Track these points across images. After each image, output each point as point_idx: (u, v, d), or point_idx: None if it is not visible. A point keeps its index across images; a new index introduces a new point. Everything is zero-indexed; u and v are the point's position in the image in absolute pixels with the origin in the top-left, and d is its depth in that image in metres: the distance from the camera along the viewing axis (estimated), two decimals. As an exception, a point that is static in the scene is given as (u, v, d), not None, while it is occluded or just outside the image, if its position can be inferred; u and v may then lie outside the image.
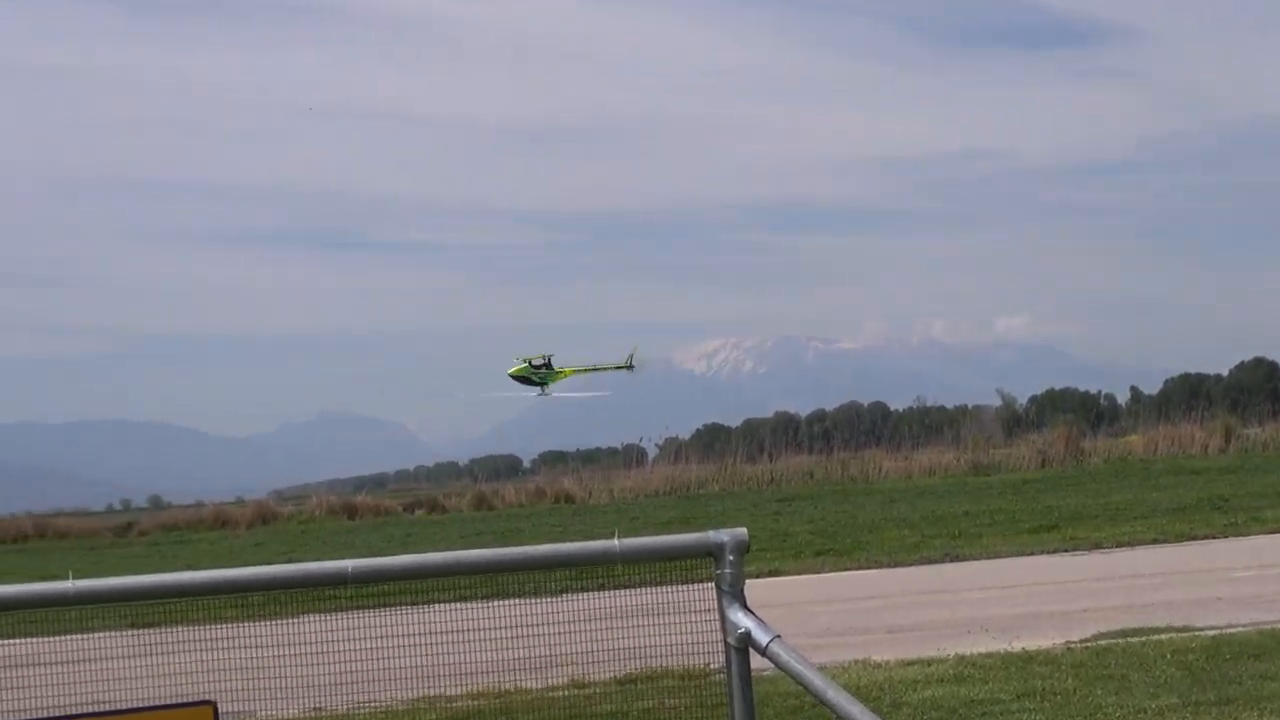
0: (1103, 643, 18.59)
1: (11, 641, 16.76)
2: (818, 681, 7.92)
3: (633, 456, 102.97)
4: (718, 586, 7.98)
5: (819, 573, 31.02)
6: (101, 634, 15.52)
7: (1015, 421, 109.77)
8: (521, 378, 74.97)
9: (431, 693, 15.81)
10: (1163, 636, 18.62)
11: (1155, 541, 32.39)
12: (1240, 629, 18.73)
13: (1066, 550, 31.90)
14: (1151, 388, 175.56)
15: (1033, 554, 31.82)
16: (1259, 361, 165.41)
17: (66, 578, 8.03)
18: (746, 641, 7.88)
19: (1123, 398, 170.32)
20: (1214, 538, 32.44)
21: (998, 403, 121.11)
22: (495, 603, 13.36)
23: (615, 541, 7.83)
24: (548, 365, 75.94)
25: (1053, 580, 26.71)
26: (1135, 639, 18.62)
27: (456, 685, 16.12)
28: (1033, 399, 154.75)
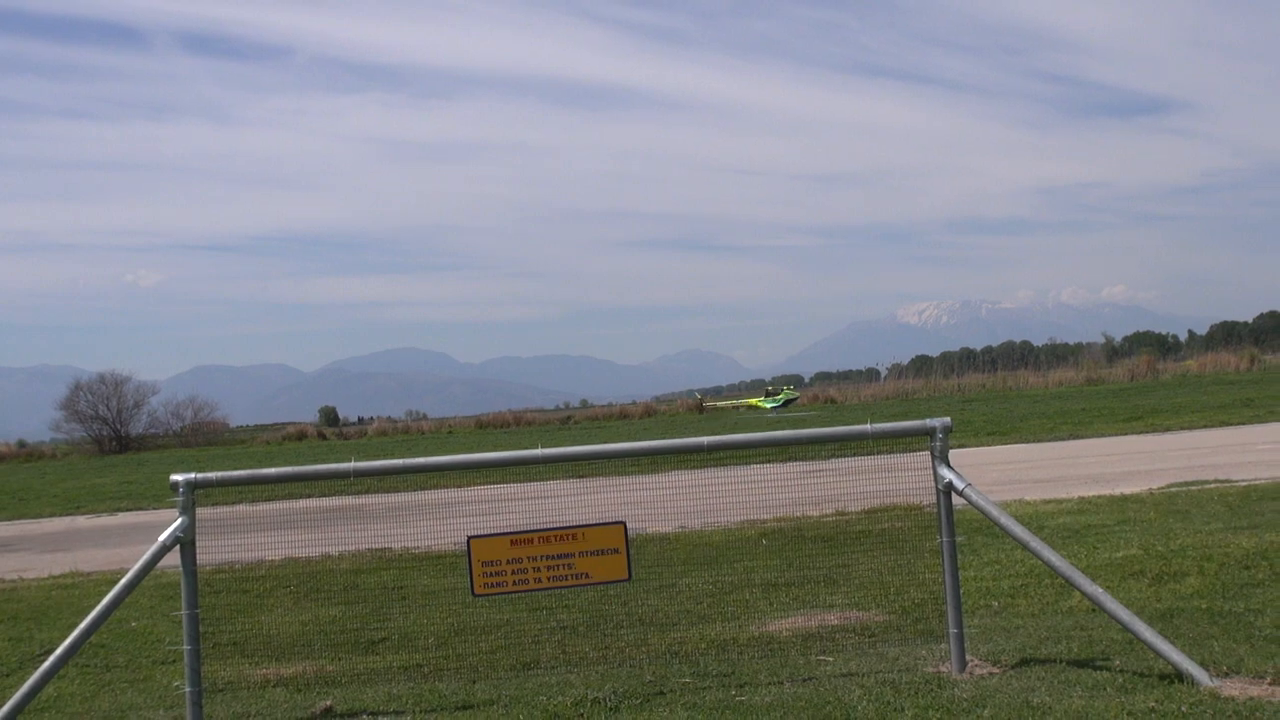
0: (1173, 489, 17.85)
1: (498, 486, 17.12)
2: (994, 511, 7.86)
3: (872, 375, 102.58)
4: (932, 453, 7.93)
5: (989, 446, 30.41)
6: (553, 481, 15.77)
7: (1114, 352, 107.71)
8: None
9: (750, 518, 15.85)
10: (1211, 486, 17.86)
11: (1206, 427, 31.33)
12: (1264, 481, 17.88)
13: (1148, 433, 30.99)
14: (1202, 330, 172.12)
15: (1126, 435, 31.01)
16: (1274, 313, 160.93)
17: (536, 448, 8.15)
18: (950, 488, 7.84)
19: (1184, 337, 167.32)
20: (1244, 424, 31.31)
21: (1102, 340, 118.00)
22: (788, 464, 13.32)
23: (869, 425, 7.78)
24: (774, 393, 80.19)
25: (1139, 451, 25.86)
26: (1194, 487, 17.87)
27: (765, 513, 16.13)
28: (1125, 338, 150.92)
